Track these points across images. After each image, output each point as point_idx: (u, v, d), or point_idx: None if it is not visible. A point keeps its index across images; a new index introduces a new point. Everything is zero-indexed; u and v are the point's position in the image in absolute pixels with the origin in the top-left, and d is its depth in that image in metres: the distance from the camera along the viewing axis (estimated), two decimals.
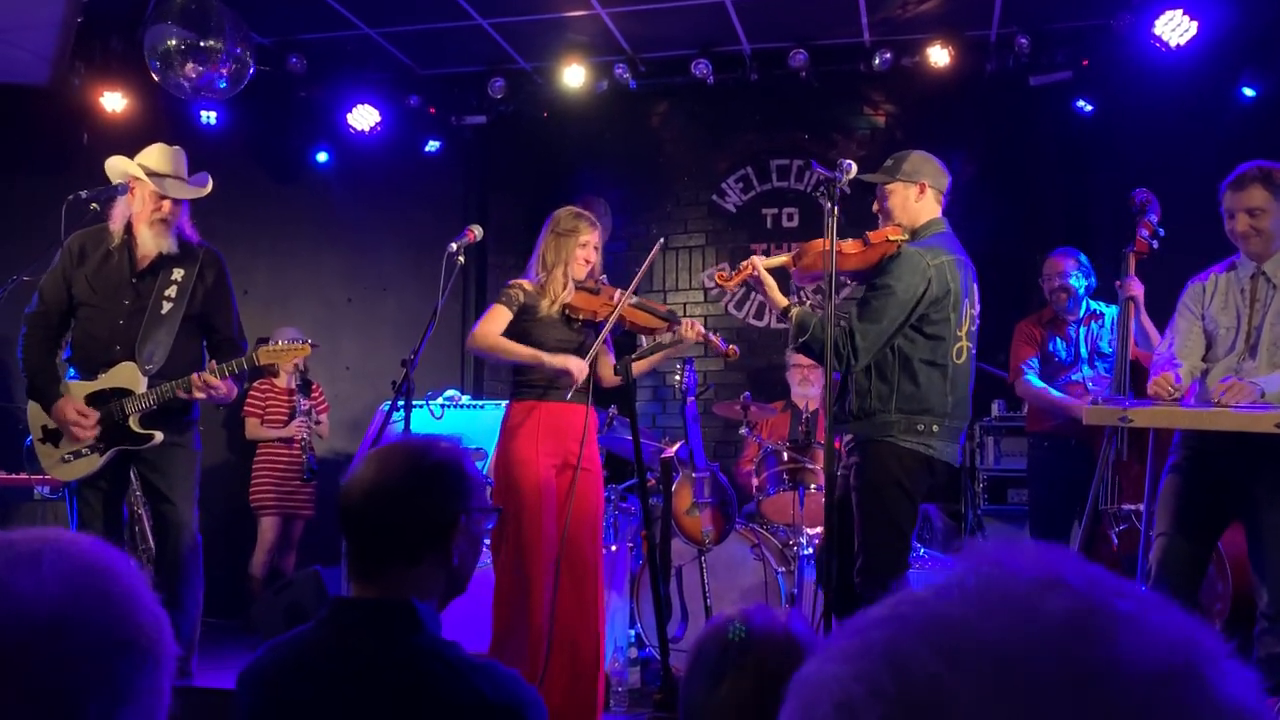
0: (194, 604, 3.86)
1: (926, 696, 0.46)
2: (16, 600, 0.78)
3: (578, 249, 3.69)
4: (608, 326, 3.65)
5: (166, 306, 3.84)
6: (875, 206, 3.48)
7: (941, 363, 3.27)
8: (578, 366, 3.55)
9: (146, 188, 3.82)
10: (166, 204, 3.83)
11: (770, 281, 3.43)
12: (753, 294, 6.36)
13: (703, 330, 3.67)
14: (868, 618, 0.52)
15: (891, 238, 3.31)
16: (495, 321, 3.64)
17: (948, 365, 3.27)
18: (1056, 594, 0.49)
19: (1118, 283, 3.88)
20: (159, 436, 3.80)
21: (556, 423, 3.64)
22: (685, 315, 6.48)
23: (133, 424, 3.78)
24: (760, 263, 3.45)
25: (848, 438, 3.38)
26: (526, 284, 3.72)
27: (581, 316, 3.69)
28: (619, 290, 3.73)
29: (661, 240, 3.86)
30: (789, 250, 3.55)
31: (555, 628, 3.54)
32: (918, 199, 3.39)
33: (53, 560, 0.81)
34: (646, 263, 3.73)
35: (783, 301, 3.41)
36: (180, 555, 3.83)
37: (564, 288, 3.67)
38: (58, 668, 0.77)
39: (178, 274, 3.87)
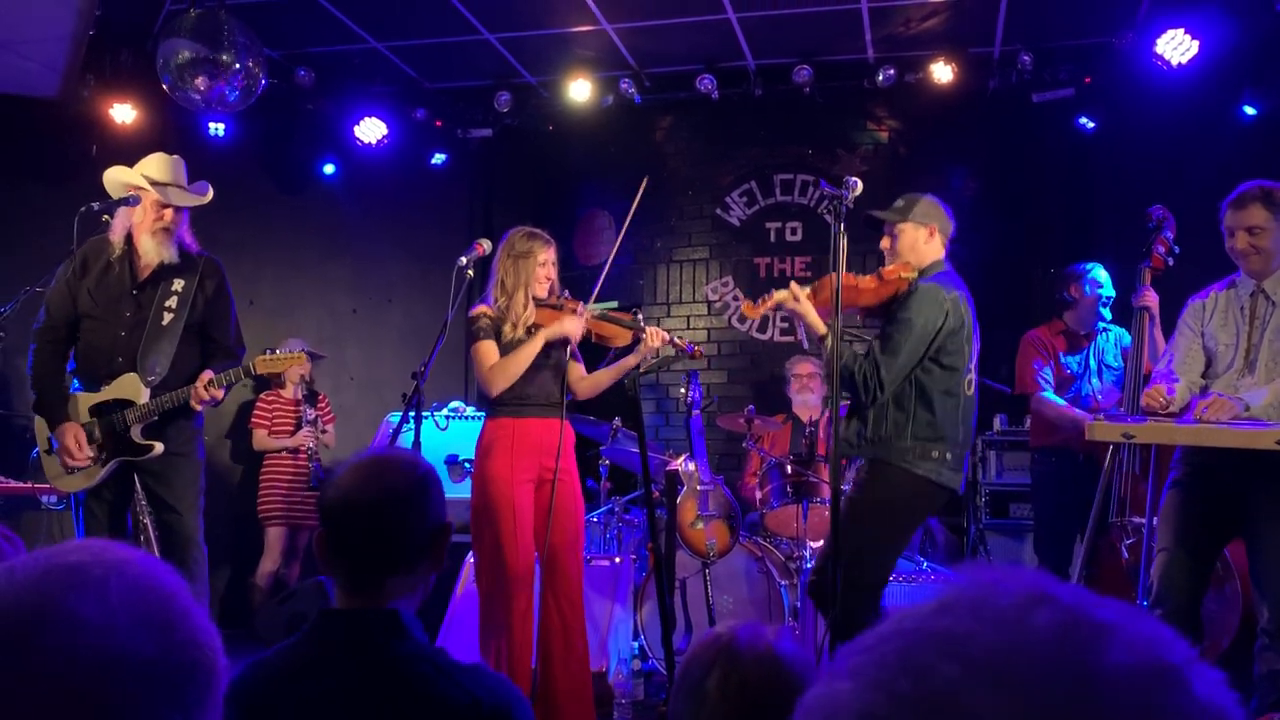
0: None
1: (944, 696, 0.49)
2: (92, 634, 0.76)
3: (537, 268, 3.71)
4: (574, 340, 3.70)
5: (168, 317, 3.84)
6: (884, 243, 3.56)
7: (955, 393, 3.35)
8: (573, 326, 3.64)
9: (149, 197, 3.83)
10: (168, 213, 3.83)
11: (808, 308, 3.42)
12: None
13: (667, 335, 3.70)
14: (873, 637, 0.55)
15: (904, 275, 3.42)
16: (491, 354, 3.67)
17: (960, 396, 3.37)
18: (1043, 608, 0.52)
19: (1134, 296, 3.92)
20: (159, 448, 3.81)
21: (531, 439, 3.64)
22: (689, 328, 6.52)
23: (134, 435, 3.79)
24: (788, 295, 3.43)
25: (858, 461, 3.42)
26: (488, 310, 3.73)
27: None
28: (580, 303, 3.75)
29: (646, 179, 3.84)
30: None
31: (541, 645, 3.56)
32: (927, 241, 3.50)
33: (118, 587, 0.79)
34: (635, 200, 3.74)
35: (822, 328, 3.43)
36: (186, 565, 3.83)
37: (525, 309, 3.69)
38: (133, 702, 0.76)
39: (178, 284, 3.87)
